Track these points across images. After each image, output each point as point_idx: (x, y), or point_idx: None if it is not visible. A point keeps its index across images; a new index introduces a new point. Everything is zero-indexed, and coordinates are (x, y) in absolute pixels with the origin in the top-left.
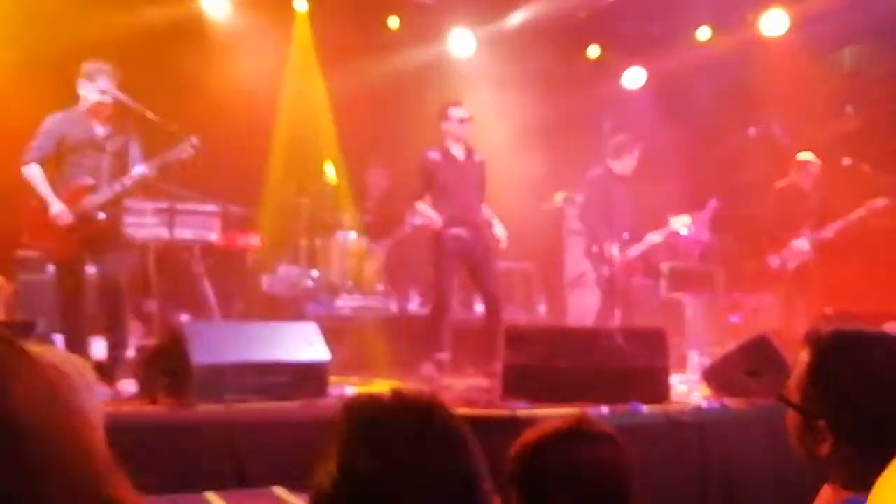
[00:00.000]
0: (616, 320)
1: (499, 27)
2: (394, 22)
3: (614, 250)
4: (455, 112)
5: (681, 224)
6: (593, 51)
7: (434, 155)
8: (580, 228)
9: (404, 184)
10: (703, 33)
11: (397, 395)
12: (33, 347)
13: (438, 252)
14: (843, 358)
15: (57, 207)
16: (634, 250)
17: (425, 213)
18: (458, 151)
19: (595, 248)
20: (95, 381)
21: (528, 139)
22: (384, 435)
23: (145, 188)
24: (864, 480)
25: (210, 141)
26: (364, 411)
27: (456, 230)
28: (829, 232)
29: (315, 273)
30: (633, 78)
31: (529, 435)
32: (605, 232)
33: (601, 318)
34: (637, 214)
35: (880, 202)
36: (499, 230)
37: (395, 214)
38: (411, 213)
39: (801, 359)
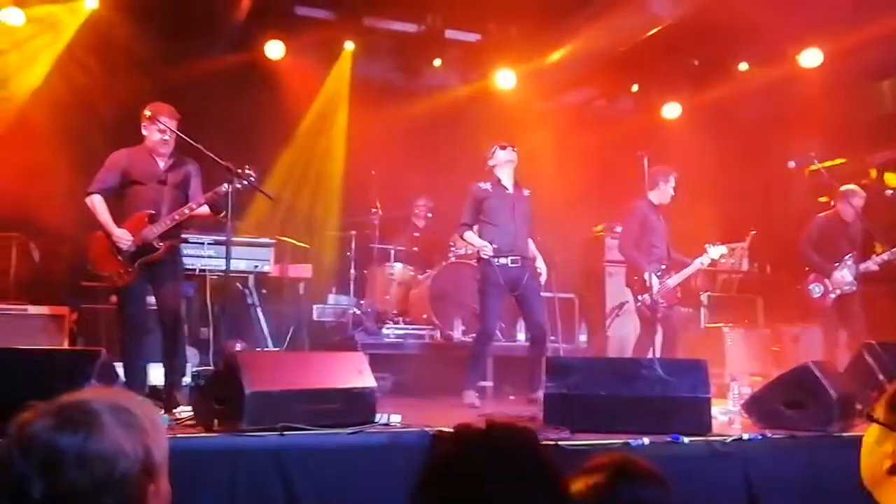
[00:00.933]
0: (656, 350)
1: (539, 64)
2: (437, 61)
3: (654, 279)
4: (502, 154)
5: (718, 253)
6: (633, 85)
7: (484, 185)
8: (620, 258)
9: (447, 215)
10: (742, 66)
11: (492, 428)
12: (105, 390)
13: (485, 282)
14: None
15: (118, 233)
16: (674, 279)
17: (474, 242)
18: (507, 183)
19: (636, 278)
20: (162, 420)
21: (569, 171)
22: (480, 466)
23: (204, 221)
24: None
25: (265, 176)
26: (460, 443)
27: (503, 260)
28: (873, 264)
29: (363, 302)
30: (672, 109)
31: (577, 474)
32: (644, 262)
33: (641, 347)
34: (674, 244)
35: None
36: (540, 264)
37: (439, 245)
38: (457, 242)
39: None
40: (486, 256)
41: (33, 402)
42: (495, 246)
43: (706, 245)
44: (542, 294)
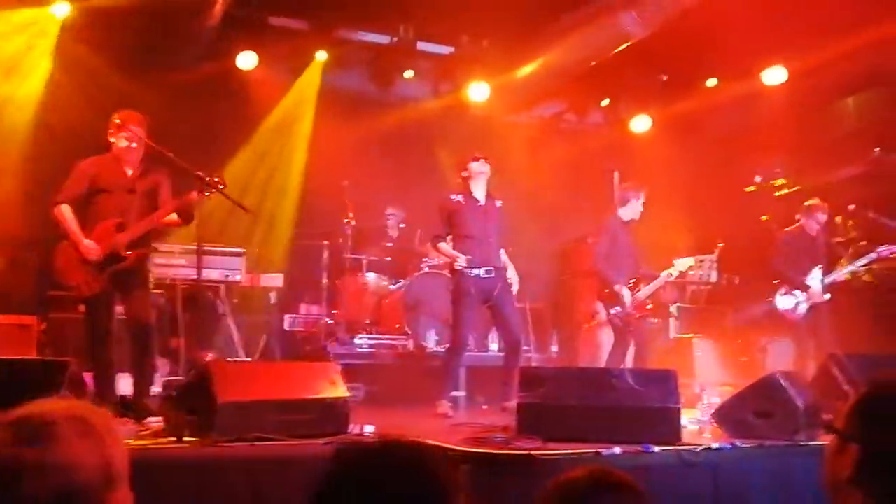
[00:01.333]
0: (628, 361)
1: (511, 77)
2: (409, 73)
3: (625, 292)
4: (475, 166)
5: (685, 265)
6: (604, 100)
7: (455, 197)
8: (591, 270)
9: (420, 225)
10: (710, 82)
11: (385, 442)
12: (65, 400)
13: (458, 292)
14: (890, 391)
15: (86, 243)
16: (644, 291)
17: (448, 253)
18: (479, 194)
19: (607, 291)
20: (120, 429)
21: (540, 184)
22: (374, 480)
23: (173, 230)
24: None
25: (235, 185)
26: (353, 457)
27: (476, 271)
28: (839, 275)
29: (335, 312)
30: (641, 124)
31: (551, 485)
32: (615, 275)
33: (613, 358)
34: (643, 257)
35: (889, 249)
36: (511, 274)
37: (412, 255)
38: (430, 252)
39: (856, 392)
40: (459, 267)
41: None
42: (468, 257)
43: (674, 260)
44: (515, 304)
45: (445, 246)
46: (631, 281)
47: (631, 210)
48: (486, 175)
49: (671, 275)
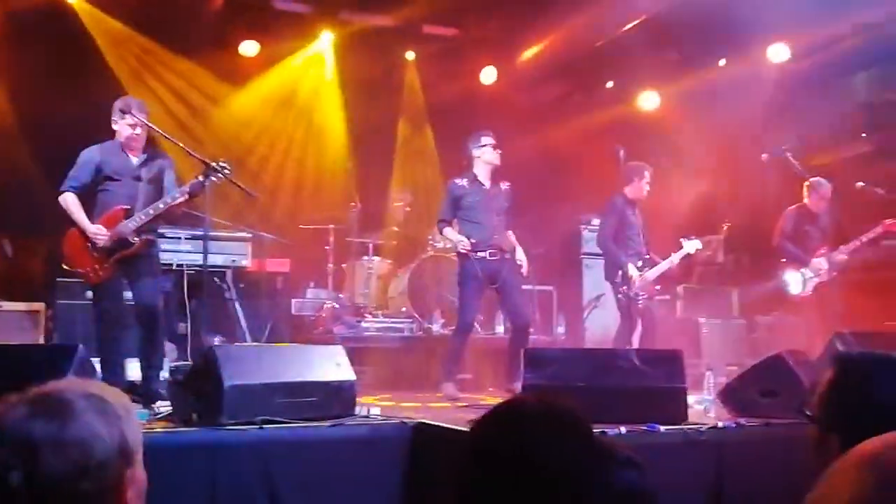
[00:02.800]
0: (634, 341)
1: (517, 58)
2: (409, 55)
3: (633, 271)
4: (486, 139)
5: (693, 247)
6: (609, 78)
7: (461, 182)
8: (597, 251)
9: (426, 209)
10: (720, 61)
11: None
12: (76, 380)
13: (464, 275)
14: (863, 379)
15: (92, 228)
16: (653, 272)
17: (452, 238)
18: (484, 178)
19: (615, 271)
20: (134, 409)
21: (547, 164)
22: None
23: (180, 215)
24: None
25: (241, 169)
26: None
27: (481, 254)
28: (843, 252)
29: (341, 296)
30: (648, 101)
31: None
32: (622, 255)
33: (620, 338)
34: (651, 237)
35: (893, 221)
36: (520, 256)
37: (418, 238)
38: (436, 236)
39: (825, 375)
40: (463, 251)
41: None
42: (473, 240)
43: (681, 240)
44: (522, 285)
45: (450, 230)
46: (640, 262)
47: (635, 189)
48: (493, 159)
49: (679, 257)
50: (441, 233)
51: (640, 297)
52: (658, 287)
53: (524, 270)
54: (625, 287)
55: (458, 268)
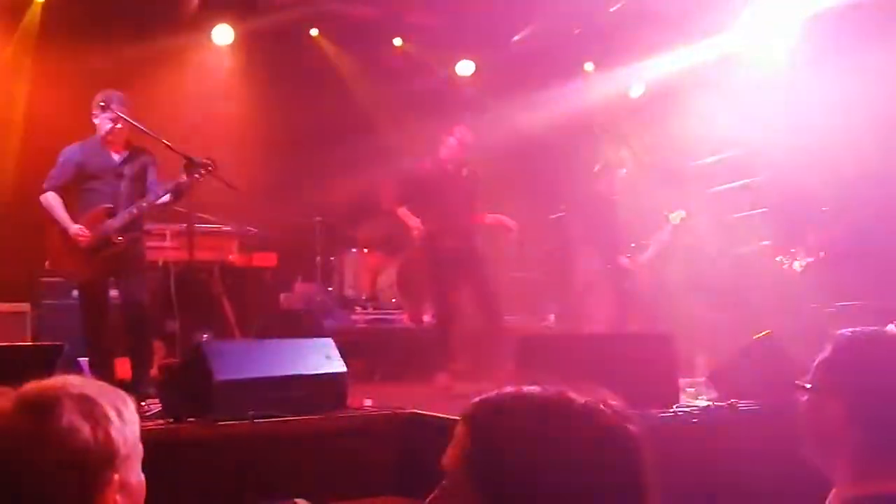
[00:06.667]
0: (629, 327)
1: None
2: (397, 41)
3: (624, 261)
4: (459, 133)
5: (678, 217)
6: (589, 65)
7: (427, 165)
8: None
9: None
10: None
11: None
12: (72, 378)
13: (432, 263)
14: (864, 345)
15: (76, 229)
16: (645, 255)
17: (407, 220)
18: (449, 164)
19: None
20: (130, 410)
21: (530, 153)
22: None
23: (164, 211)
24: (866, 468)
25: (225, 163)
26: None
27: (447, 241)
28: (830, 230)
29: (330, 289)
30: (631, 88)
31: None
32: (612, 244)
33: (616, 326)
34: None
35: None
36: (506, 219)
37: (405, 229)
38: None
39: (825, 347)
40: (416, 233)
41: None
42: (437, 227)
43: (665, 213)
44: (488, 269)
45: (404, 211)
46: (633, 245)
47: (611, 178)
48: (467, 146)
49: (667, 232)
50: (394, 210)
51: (634, 282)
52: (650, 270)
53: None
54: (620, 276)
55: (423, 257)
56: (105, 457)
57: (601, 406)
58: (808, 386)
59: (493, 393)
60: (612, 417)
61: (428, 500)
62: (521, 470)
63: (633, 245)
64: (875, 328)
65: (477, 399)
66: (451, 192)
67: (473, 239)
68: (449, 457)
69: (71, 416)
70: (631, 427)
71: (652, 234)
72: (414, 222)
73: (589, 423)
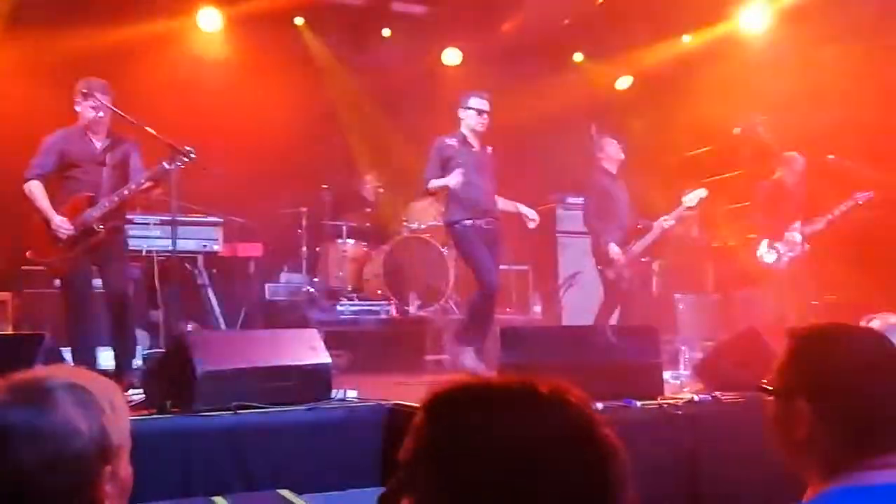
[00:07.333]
0: (613, 319)
1: (487, 35)
2: (386, 32)
3: (614, 249)
4: (475, 102)
5: (696, 198)
6: (578, 56)
7: (451, 140)
8: (572, 230)
9: (399, 189)
10: (687, 32)
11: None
12: (62, 368)
13: (464, 241)
14: (823, 344)
15: (57, 220)
16: (640, 244)
17: (440, 183)
18: (473, 140)
19: (599, 248)
20: (122, 401)
21: (518, 144)
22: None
23: (148, 201)
24: (836, 465)
25: (209, 152)
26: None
27: (476, 221)
28: (818, 225)
29: (316, 280)
30: (620, 80)
31: None
32: (604, 231)
33: (602, 315)
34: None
35: (866, 195)
36: (526, 210)
37: (392, 219)
38: (410, 216)
39: (782, 349)
40: (454, 186)
41: None
42: (463, 206)
43: (685, 191)
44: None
45: (436, 181)
46: (638, 225)
47: (609, 157)
48: (476, 125)
49: (680, 213)
50: (426, 191)
51: (626, 273)
52: (645, 259)
53: (535, 222)
54: (610, 264)
55: (453, 239)
56: (98, 449)
57: (565, 396)
58: (770, 388)
59: (450, 382)
60: (576, 407)
61: (381, 493)
62: (477, 461)
63: (639, 226)
64: (827, 324)
65: (435, 389)
66: (477, 170)
67: (498, 221)
68: (405, 448)
69: (66, 409)
70: (595, 417)
71: (657, 218)
72: (449, 180)
73: (551, 413)
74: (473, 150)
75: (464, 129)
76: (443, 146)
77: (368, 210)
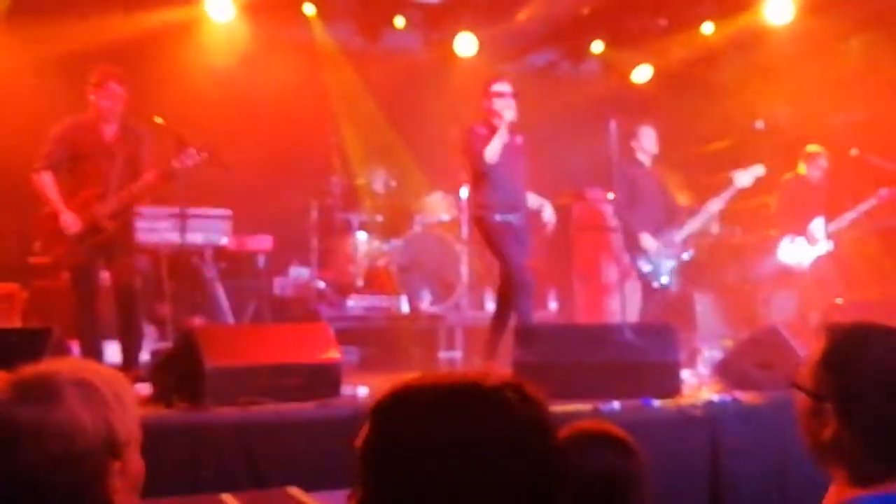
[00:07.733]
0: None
1: (502, 25)
2: (399, 21)
3: (649, 241)
4: (497, 87)
5: (750, 178)
6: (597, 46)
7: (481, 130)
8: (587, 225)
9: (410, 181)
10: (709, 24)
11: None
12: (70, 362)
13: (495, 234)
14: (857, 345)
15: (66, 216)
16: (684, 230)
17: (495, 144)
18: (502, 130)
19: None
20: (131, 395)
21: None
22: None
23: (156, 194)
24: (864, 473)
25: (218, 143)
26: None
27: (509, 217)
28: (841, 222)
29: (325, 274)
30: (640, 72)
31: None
32: (637, 223)
33: (647, 311)
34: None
35: (890, 191)
36: (548, 213)
37: (403, 214)
38: (423, 210)
39: (816, 345)
40: (499, 123)
41: None
42: (496, 202)
43: (732, 173)
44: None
45: (489, 148)
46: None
47: (643, 149)
48: (500, 109)
49: (732, 193)
50: (486, 162)
51: (662, 268)
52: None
53: (551, 225)
54: (639, 259)
55: (483, 231)
56: (106, 444)
57: (512, 394)
58: (801, 387)
59: (400, 382)
60: (521, 405)
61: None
62: (412, 461)
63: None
64: (866, 323)
65: (385, 388)
66: (508, 162)
67: (529, 218)
68: (356, 447)
69: (73, 405)
70: (545, 415)
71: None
72: (498, 138)
73: (492, 412)
74: (504, 141)
75: (492, 119)
76: (472, 136)
77: (379, 203)
